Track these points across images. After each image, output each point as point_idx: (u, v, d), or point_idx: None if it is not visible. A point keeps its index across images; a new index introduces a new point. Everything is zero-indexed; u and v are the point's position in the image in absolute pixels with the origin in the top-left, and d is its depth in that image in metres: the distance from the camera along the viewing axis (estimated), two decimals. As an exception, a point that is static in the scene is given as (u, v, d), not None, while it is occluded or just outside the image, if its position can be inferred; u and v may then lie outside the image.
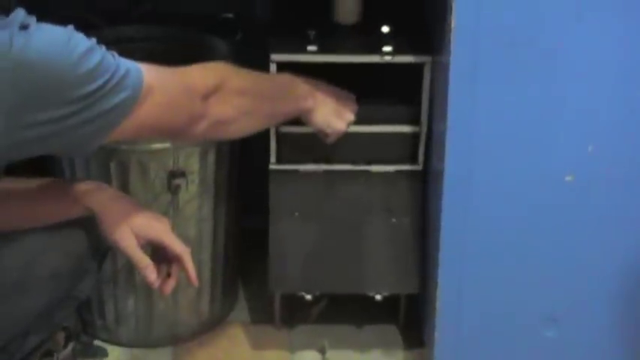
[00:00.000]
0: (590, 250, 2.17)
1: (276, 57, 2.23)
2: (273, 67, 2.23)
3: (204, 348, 2.51)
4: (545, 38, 2.01)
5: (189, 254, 1.91)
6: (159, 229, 1.91)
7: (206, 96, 1.88)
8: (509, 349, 2.29)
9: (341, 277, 2.33)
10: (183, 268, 1.92)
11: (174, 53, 2.50)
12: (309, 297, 2.39)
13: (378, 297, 2.43)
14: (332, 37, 2.29)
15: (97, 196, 1.92)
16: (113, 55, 1.69)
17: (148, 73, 1.74)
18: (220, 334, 2.52)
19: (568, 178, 2.11)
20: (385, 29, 2.29)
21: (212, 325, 2.54)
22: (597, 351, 2.28)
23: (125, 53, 1.80)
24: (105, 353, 2.46)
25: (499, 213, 2.15)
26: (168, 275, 1.93)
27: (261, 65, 2.22)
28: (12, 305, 1.95)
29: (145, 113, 1.73)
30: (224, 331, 2.52)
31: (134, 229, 1.88)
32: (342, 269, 2.36)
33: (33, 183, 1.99)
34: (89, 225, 1.97)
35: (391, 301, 2.47)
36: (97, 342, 2.48)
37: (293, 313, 2.51)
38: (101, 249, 2.06)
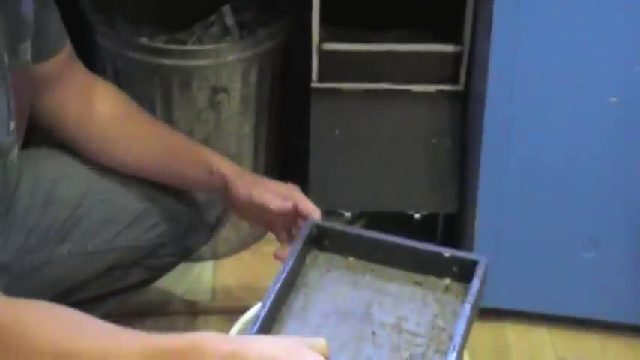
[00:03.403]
0: (631, 173, 2.15)
1: None
2: None
3: (243, 262, 2.52)
4: None
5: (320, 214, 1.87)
6: (291, 188, 1.88)
7: None
8: (547, 270, 2.29)
9: (380, 195, 2.30)
10: None
11: None
12: (348, 215, 2.37)
13: (417, 216, 2.41)
14: None
15: (230, 165, 1.91)
16: None
17: None
18: (259, 250, 2.53)
19: (612, 100, 2.07)
20: None
21: (251, 241, 2.55)
22: (636, 271, 2.26)
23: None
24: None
25: (540, 135, 2.13)
26: None
27: None
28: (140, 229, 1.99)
29: None
30: (262, 248, 2.52)
31: (269, 189, 1.86)
32: (382, 188, 2.34)
33: (173, 138, 2.00)
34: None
35: (429, 221, 2.44)
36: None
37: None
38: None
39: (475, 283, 1.63)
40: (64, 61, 1.88)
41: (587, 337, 2.35)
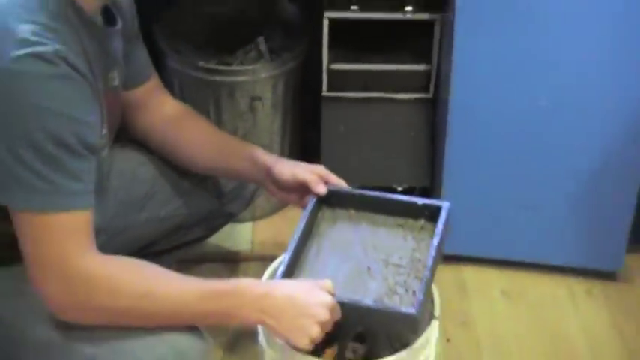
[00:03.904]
0: (555, 158, 2.16)
1: (328, 14, 2.21)
2: (326, 23, 2.21)
3: (274, 223, 2.50)
4: (528, 4, 1.99)
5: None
6: (320, 167, 1.83)
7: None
8: (496, 225, 2.28)
9: (373, 173, 2.30)
10: None
11: (249, 12, 2.51)
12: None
13: (400, 188, 2.41)
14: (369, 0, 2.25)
15: (268, 155, 1.87)
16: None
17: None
18: (285, 215, 2.49)
19: (542, 102, 2.09)
20: None
21: (280, 208, 2.51)
22: (563, 226, 2.26)
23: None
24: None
25: (490, 128, 2.14)
26: None
27: (317, 19, 2.23)
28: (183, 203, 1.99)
29: (20, 223, 1.44)
30: (288, 213, 2.47)
31: (306, 169, 1.80)
32: (375, 168, 2.35)
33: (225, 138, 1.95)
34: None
35: (409, 192, 2.40)
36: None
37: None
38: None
39: (441, 222, 1.68)
40: (151, 89, 1.89)
41: (524, 276, 2.33)
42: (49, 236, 1.42)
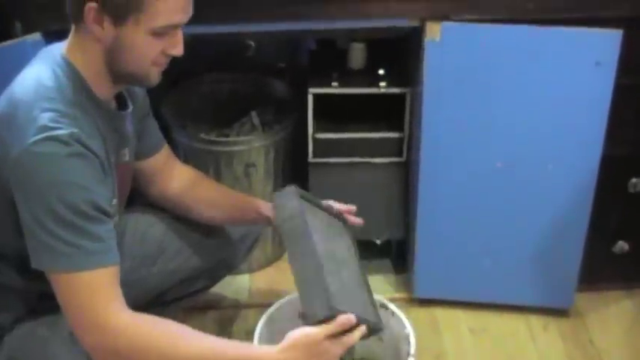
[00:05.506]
0: (512, 211, 2.17)
1: (312, 90, 2.21)
2: (310, 97, 2.21)
3: (269, 274, 2.48)
4: (485, 82, 2.01)
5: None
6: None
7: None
8: (462, 273, 2.29)
9: (355, 227, 2.02)
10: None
11: (243, 90, 2.53)
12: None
13: (378, 241, 2.45)
14: (347, 77, 2.27)
15: (269, 206, 1.90)
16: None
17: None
18: (279, 266, 2.49)
19: (498, 164, 2.11)
20: (381, 71, 2.27)
21: (274, 260, 2.51)
22: (518, 274, 2.27)
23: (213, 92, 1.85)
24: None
25: (456, 186, 2.16)
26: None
27: (302, 95, 2.24)
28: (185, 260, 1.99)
29: (57, 285, 1.47)
30: (281, 264, 2.49)
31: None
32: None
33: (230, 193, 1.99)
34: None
35: (386, 244, 2.48)
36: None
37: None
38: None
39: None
40: (164, 157, 1.91)
41: (488, 314, 2.34)
42: (77, 293, 1.46)
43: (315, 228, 1.70)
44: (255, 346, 1.56)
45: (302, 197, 1.75)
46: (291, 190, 1.73)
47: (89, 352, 1.50)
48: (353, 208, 1.94)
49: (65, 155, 1.44)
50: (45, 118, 1.45)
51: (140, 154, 1.84)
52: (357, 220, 1.93)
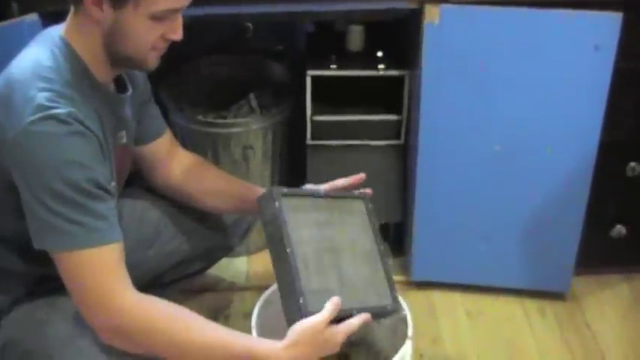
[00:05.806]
0: (510, 195, 2.17)
1: (311, 72, 2.20)
2: (308, 80, 2.20)
3: (266, 256, 2.24)
4: (483, 66, 2.01)
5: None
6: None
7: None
8: (459, 256, 2.30)
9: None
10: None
11: (241, 73, 2.53)
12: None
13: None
14: (346, 59, 2.26)
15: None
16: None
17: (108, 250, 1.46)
18: None
19: (496, 148, 2.12)
20: (380, 54, 2.26)
21: None
22: (513, 258, 2.28)
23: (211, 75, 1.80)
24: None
25: (453, 170, 2.16)
26: None
27: (300, 77, 2.23)
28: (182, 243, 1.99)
29: (62, 264, 1.47)
30: None
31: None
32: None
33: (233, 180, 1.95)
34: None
35: (384, 227, 2.42)
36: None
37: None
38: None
39: None
40: (165, 142, 1.90)
41: (485, 298, 2.35)
42: (83, 272, 1.45)
43: (300, 225, 1.66)
44: (262, 343, 1.53)
45: (286, 195, 1.68)
46: (270, 192, 1.67)
47: (96, 332, 1.49)
48: (360, 176, 1.86)
49: (64, 134, 1.43)
50: (42, 97, 1.43)
51: (140, 140, 1.83)
52: (366, 190, 1.88)
